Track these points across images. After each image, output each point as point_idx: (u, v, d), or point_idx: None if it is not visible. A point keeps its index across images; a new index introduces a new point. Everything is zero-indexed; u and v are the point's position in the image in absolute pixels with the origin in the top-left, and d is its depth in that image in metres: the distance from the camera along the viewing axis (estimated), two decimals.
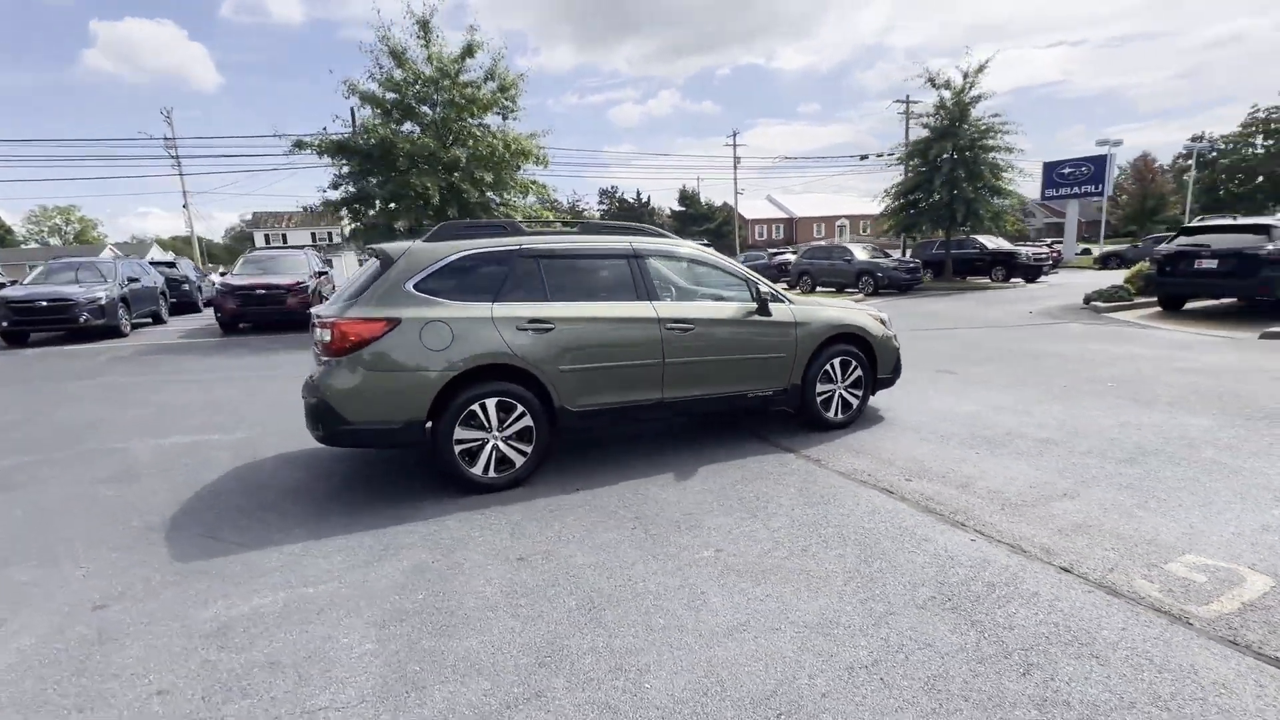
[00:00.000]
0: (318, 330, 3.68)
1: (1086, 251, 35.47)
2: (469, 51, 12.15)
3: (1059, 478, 3.74)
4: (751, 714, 1.91)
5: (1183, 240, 10.42)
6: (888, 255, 20.80)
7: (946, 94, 19.40)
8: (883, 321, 5.17)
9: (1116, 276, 18.99)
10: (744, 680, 2.06)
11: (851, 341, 4.91)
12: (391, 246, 3.85)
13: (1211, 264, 9.79)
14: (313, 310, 4.03)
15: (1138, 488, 3.54)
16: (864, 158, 40.09)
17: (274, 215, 56.72)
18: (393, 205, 12.44)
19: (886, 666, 2.10)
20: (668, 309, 4.22)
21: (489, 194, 12.39)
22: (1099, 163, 33.02)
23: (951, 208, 19.17)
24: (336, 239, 53.93)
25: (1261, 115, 38.82)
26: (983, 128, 19.16)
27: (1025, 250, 21.70)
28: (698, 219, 60.72)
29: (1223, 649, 2.14)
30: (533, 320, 3.81)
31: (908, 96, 39.96)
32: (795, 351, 4.64)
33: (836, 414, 4.89)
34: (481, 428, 3.72)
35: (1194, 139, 41.81)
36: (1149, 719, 1.84)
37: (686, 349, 4.23)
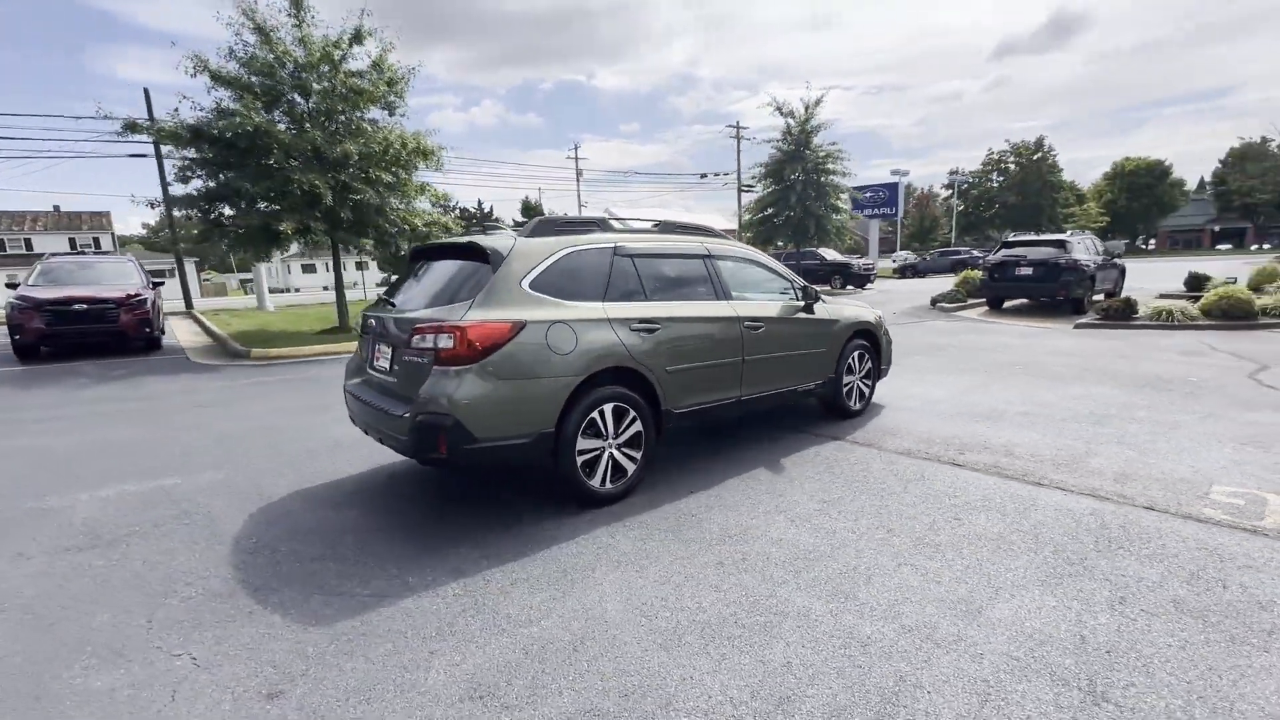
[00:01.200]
0: (419, 337, 3.18)
1: (894, 262, 41.93)
2: (357, 38, 10.97)
3: (1068, 441, 4.51)
4: (1090, 660, 2.12)
5: (1004, 252, 12.92)
6: None
7: (793, 121, 21.76)
8: (879, 318, 5.76)
9: (924, 284, 22.84)
10: (1052, 632, 2.27)
11: (865, 336, 5.41)
12: (495, 241, 3.46)
13: (1027, 271, 12.28)
14: (399, 316, 3.46)
15: (1129, 443, 4.42)
16: (704, 176, 43.34)
17: (10, 215, 44.84)
18: (264, 205, 10.74)
19: (1136, 599, 2.45)
20: (743, 308, 4.32)
21: (386, 196, 11.24)
22: (892, 189, 39.27)
23: (804, 223, 21.51)
24: (107, 245, 44.28)
25: (995, 156, 49.24)
26: (823, 154, 21.81)
27: (856, 261, 25.07)
28: None
29: None
30: (642, 320, 3.68)
31: (738, 123, 44.00)
32: (831, 346, 5.00)
33: (856, 403, 5.35)
34: (599, 436, 3.49)
35: (952, 173, 51.99)
36: None
37: (759, 347, 4.35)
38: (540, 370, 3.23)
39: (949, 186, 51.35)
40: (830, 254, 24.78)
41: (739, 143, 43.73)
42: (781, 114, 21.91)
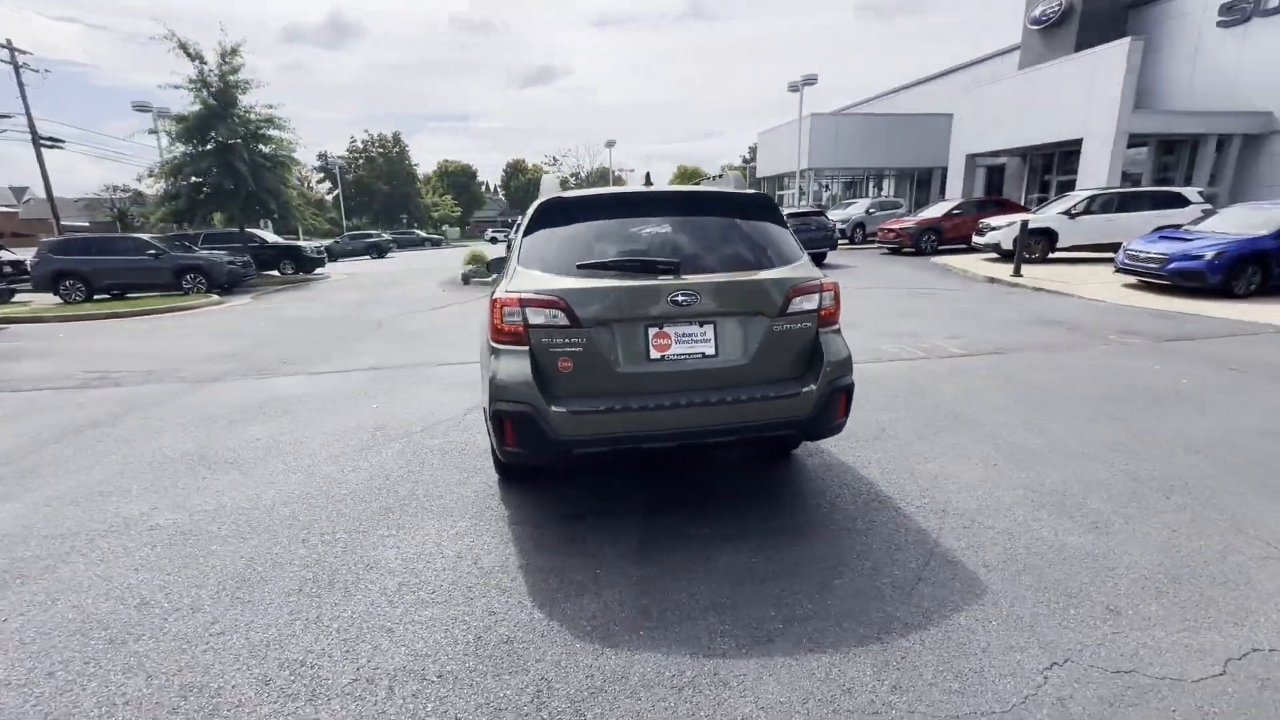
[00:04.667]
0: (801, 299, 2.76)
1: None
2: None
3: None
4: (1092, 385, 4.35)
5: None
6: (191, 250, 16.99)
7: (209, 68, 17.13)
8: None
9: (389, 265, 22.59)
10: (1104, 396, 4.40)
11: None
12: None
13: None
14: (739, 280, 2.74)
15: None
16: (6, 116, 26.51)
17: None
18: None
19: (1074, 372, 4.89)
20: None
21: None
22: None
23: (258, 196, 17.65)
24: None
25: (360, 145, 51.29)
26: (259, 117, 18.14)
27: (309, 244, 22.34)
28: None
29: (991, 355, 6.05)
30: None
31: (10, 40, 29.93)
32: None
33: None
34: None
35: (321, 155, 50.85)
36: (1053, 369, 5.47)
37: None
38: None
39: (322, 170, 50.13)
40: (271, 236, 21.20)
41: (18, 72, 29.70)
42: (190, 56, 16.79)
